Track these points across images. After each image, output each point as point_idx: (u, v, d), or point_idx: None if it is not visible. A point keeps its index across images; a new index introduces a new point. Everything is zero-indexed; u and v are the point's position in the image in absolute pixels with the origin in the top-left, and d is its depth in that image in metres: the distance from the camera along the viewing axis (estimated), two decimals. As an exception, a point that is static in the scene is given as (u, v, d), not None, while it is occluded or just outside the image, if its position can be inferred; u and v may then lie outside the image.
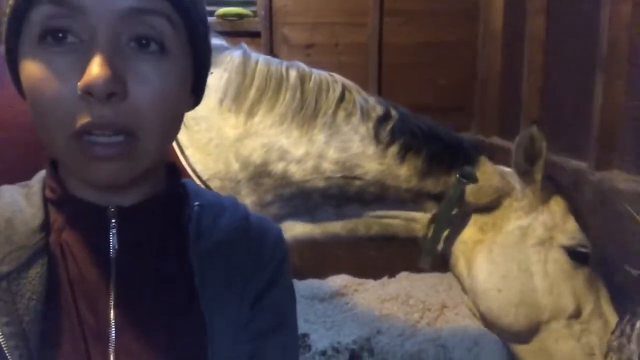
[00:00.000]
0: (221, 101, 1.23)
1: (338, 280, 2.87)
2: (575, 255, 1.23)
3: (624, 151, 1.47)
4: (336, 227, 1.32)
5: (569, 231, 1.25)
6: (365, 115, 1.26)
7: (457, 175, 1.26)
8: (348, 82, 1.33)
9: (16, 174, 0.64)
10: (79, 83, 0.48)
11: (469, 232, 1.30)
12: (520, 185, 1.31)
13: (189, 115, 1.23)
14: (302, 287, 2.80)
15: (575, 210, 1.30)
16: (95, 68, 0.47)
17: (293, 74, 1.27)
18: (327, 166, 1.23)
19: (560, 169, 1.64)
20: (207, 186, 1.19)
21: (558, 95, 1.94)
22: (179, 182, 0.67)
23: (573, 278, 1.22)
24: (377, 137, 1.24)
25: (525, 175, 1.30)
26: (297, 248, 2.88)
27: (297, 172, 1.22)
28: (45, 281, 0.54)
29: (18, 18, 0.51)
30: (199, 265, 0.60)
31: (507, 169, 1.36)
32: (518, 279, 1.22)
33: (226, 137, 1.22)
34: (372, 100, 1.31)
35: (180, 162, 1.18)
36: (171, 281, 0.60)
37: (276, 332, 0.64)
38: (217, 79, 1.24)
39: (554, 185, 1.34)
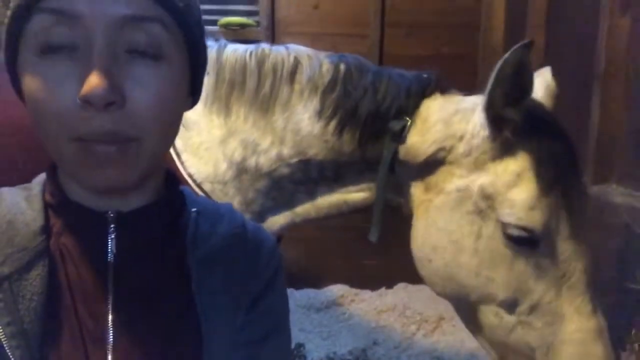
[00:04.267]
0: (205, 103, 1.22)
1: (335, 290, 2.86)
2: (513, 237, 0.95)
3: (621, 166, 1.47)
4: (309, 210, 1.25)
5: (510, 204, 0.94)
6: (314, 87, 1.16)
7: (388, 136, 1.10)
8: (301, 50, 1.21)
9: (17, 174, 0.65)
10: (79, 94, 0.49)
11: (417, 194, 1.11)
12: (477, 129, 1.01)
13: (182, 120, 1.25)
14: (299, 296, 2.79)
15: (559, 171, 0.97)
16: (94, 79, 0.49)
17: (253, 58, 1.20)
18: (287, 152, 1.18)
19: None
20: (201, 189, 1.20)
21: (555, 109, 1.95)
22: (177, 188, 0.68)
23: (509, 262, 0.97)
24: (320, 113, 1.14)
25: (495, 121, 0.98)
26: (294, 257, 2.89)
27: (265, 163, 1.19)
28: (46, 283, 0.55)
29: (17, 27, 0.52)
30: (196, 271, 0.60)
31: (469, 102, 1.09)
32: (446, 251, 1.02)
33: (214, 138, 1.21)
34: (326, 63, 1.18)
35: (177, 167, 1.19)
36: (168, 286, 0.60)
37: (271, 337, 0.65)
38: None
39: (543, 123, 1.01)
